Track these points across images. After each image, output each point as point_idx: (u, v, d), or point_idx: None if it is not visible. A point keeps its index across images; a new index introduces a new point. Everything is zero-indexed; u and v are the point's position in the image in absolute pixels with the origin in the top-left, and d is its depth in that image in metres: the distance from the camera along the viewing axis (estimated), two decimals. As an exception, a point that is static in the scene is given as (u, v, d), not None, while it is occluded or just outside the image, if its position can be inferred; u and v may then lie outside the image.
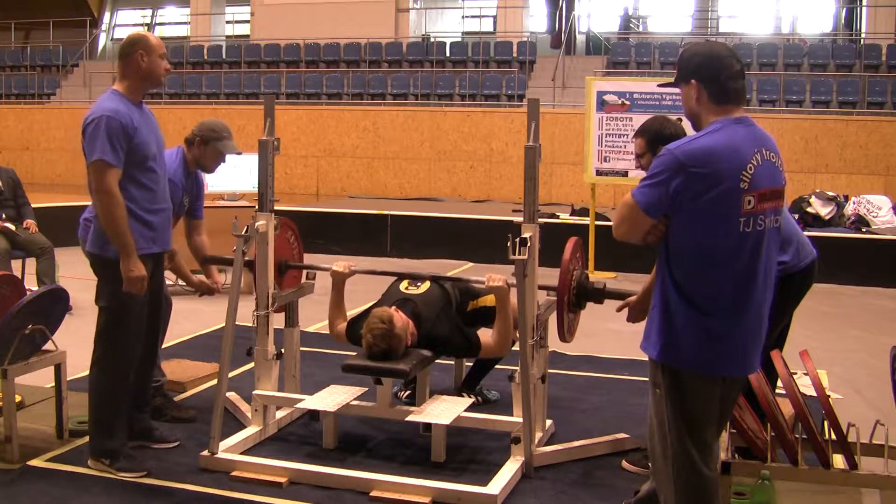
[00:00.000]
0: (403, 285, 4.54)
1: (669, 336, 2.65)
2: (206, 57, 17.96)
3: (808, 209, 10.03)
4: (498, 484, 3.71)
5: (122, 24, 25.63)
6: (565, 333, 4.12)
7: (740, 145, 2.56)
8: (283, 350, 4.47)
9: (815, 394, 3.33)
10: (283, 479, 3.80)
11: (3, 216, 7.01)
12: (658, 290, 2.71)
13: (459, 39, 18.74)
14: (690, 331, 2.62)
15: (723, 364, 2.67)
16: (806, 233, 10.28)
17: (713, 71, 2.62)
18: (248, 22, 20.54)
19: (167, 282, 8.35)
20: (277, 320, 4.41)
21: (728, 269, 2.58)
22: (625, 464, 4.08)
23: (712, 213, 2.53)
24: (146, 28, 24.99)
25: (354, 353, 4.35)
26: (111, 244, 3.77)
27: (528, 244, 3.81)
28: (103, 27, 24.48)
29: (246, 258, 4.16)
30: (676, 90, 2.78)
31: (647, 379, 2.83)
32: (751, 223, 2.56)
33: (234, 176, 7.68)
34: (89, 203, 3.93)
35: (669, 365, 2.67)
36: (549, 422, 4.45)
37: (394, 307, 4.25)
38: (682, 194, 2.53)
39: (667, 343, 2.66)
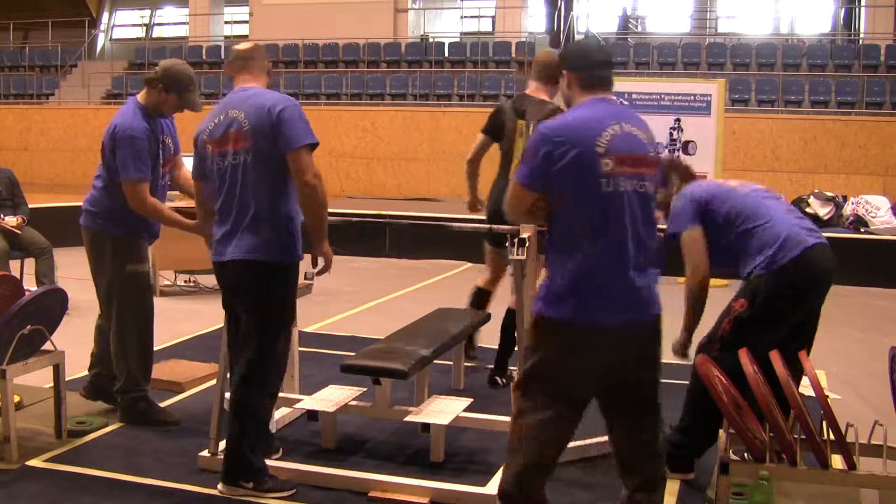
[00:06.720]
0: None
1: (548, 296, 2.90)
2: (204, 57, 17.95)
3: (807, 209, 10.03)
4: (497, 484, 3.70)
5: (121, 24, 25.64)
6: None
7: (598, 117, 2.90)
8: (282, 350, 4.46)
9: (813, 394, 3.34)
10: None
11: (2, 215, 7.01)
12: (547, 259, 2.99)
13: (458, 39, 18.71)
14: (565, 289, 2.86)
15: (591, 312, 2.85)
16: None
17: (580, 62, 3.03)
18: (246, 22, 20.52)
19: (165, 281, 8.38)
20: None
21: (596, 228, 2.83)
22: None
23: (574, 173, 2.83)
24: (144, 28, 25.02)
25: (354, 354, 4.35)
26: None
27: (528, 244, 3.81)
28: (102, 27, 24.47)
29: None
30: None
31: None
32: (611, 184, 2.83)
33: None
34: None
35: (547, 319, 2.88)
36: (548, 422, 4.44)
37: None
38: (549, 162, 2.85)
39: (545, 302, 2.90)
